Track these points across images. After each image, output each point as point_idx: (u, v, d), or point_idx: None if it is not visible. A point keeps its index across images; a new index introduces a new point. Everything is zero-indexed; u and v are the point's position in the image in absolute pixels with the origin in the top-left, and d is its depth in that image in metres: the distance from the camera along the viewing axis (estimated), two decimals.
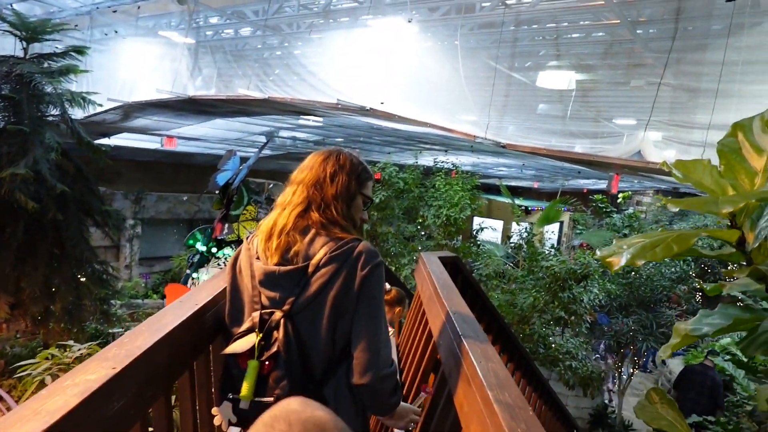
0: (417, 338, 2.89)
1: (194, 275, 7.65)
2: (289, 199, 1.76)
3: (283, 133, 14.20)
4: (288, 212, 1.72)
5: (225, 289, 2.13)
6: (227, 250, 7.60)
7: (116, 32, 10.50)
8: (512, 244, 11.22)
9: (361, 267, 1.60)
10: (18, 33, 8.75)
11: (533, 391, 5.12)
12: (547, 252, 9.38)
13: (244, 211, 7.82)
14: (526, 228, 10.07)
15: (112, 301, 10.59)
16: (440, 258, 3.32)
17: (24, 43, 8.82)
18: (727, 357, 8.31)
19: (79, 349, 4.01)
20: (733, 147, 1.60)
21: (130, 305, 12.95)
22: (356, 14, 8.60)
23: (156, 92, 8.08)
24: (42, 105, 8.73)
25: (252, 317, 1.68)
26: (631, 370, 10.22)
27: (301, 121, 11.80)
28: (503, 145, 6.29)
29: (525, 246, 9.29)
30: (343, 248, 1.62)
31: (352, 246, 1.63)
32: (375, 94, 6.71)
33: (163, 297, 14.01)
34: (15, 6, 9.92)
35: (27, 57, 8.81)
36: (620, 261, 1.43)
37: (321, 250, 1.62)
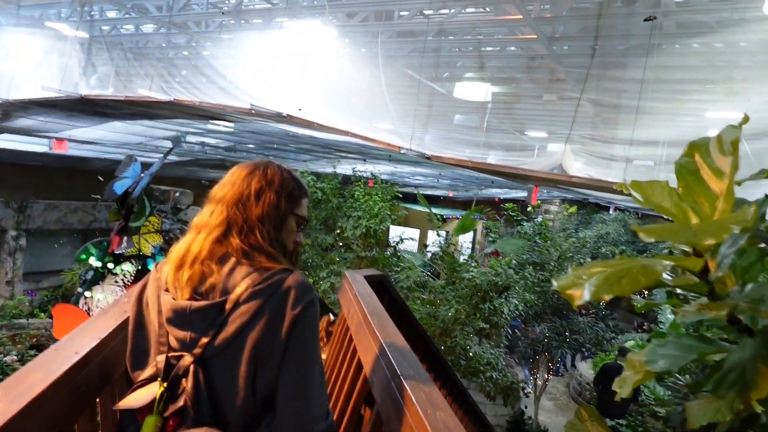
0: (344, 369, 2.64)
1: (87, 294, 6.86)
2: (205, 220, 1.48)
3: (191, 138, 13.37)
4: (204, 237, 1.44)
5: (115, 330, 1.79)
6: (126, 266, 6.89)
7: None
8: (429, 253, 11.23)
9: (291, 305, 1.35)
10: None
11: (459, 408, 5.03)
12: (465, 262, 9.46)
13: (146, 223, 7.13)
14: (444, 237, 10.12)
15: None
16: (366, 277, 3.09)
17: None
18: None
19: None
20: (691, 168, 1.51)
21: (12, 326, 11.60)
22: (270, 15, 8.25)
23: (42, 90, 7.22)
24: None
25: (156, 362, 1.39)
26: (546, 376, 10.58)
27: (210, 126, 11.15)
28: (428, 156, 6.20)
29: (444, 256, 9.31)
30: (268, 281, 1.35)
31: (280, 279, 1.37)
32: (291, 100, 6.38)
33: (51, 316, 12.66)
34: None
35: None
36: (583, 294, 1.26)
37: (242, 283, 1.36)
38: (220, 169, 17.27)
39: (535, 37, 6.40)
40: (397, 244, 10.08)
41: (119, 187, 7.26)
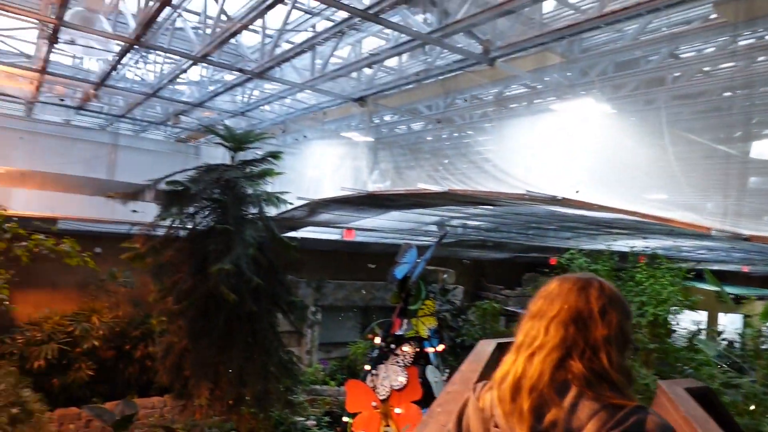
0: None
1: (374, 372, 7.50)
2: (539, 339, 1.32)
3: (454, 222, 14.16)
4: (541, 359, 1.29)
5: None
6: (406, 347, 7.36)
7: (305, 137, 11.61)
8: (724, 341, 9.32)
9: None
10: (227, 144, 10.11)
11: None
12: None
13: (422, 306, 7.60)
14: (744, 323, 8.32)
15: (295, 389, 10.98)
16: (686, 389, 2.60)
17: (231, 152, 10.15)
18: None
19: None
20: None
21: (310, 391, 13.38)
22: (531, 99, 8.39)
23: (340, 190, 8.56)
24: (244, 205, 9.81)
25: None
26: None
27: (472, 210, 11.63)
28: (746, 237, 5.25)
29: (758, 351, 7.48)
30: (623, 425, 1.14)
31: (636, 422, 1.15)
32: (561, 181, 6.25)
33: (339, 385, 14.30)
34: (226, 121, 11.59)
35: (233, 164, 10.08)
36: None
37: (590, 425, 1.16)
38: (480, 249, 17.85)
39: None
40: (694, 335, 8.50)
41: (399, 271, 7.99)
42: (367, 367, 7.56)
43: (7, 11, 7.95)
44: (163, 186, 9.39)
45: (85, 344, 11.53)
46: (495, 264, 21.32)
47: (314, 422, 11.00)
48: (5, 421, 6.98)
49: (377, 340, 7.69)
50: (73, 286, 12.82)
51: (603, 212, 6.17)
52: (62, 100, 13.15)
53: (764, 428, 6.08)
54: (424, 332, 7.44)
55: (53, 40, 7.67)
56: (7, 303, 8.66)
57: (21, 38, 11.55)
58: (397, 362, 7.27)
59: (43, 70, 9.55)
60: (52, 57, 9.52)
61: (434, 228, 13.99)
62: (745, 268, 22.65)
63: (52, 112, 14.58)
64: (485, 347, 3.96)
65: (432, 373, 7.33)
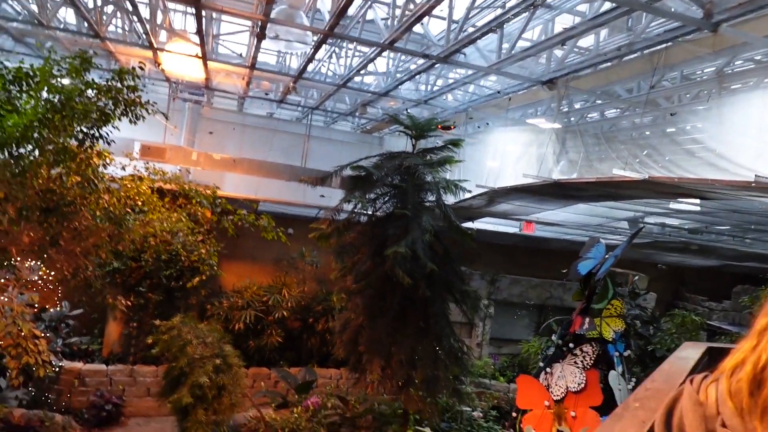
0: None
1: (548, 369, 7.00)
2: None
3: (649, 219, 12.64)
4: None
5: None
6: (586, 348, 6.71)
7: (488, 124, 11.34)
8: None
9: None
10: (409, 132, 10.28)
11: None
12: None
13: (609, 306, 6.85)
14: None
15: (463, 378, 10.84)
16: None
17: (413, 140, 10.30)
18: None
19: None
20: None
21: (478, 384, 13.14)
22: (762, 75, 7.06)
23: (522, 177, 8.13)
24: (422, 192, 9.89)
25: None
26: None
27: (674, 206, 10.23)
28: None
29: None
30: None
31: None
32: None
33: (509, 381, 13.81)
34: (409, 110, 11.82)
35: (414, 152, 10.22)
36: None
37: None
38: (681, 253, 15.71)
39: None
40: None
41: (583, 267, 7.31)
42: (541, 365, 7.08)
43: (227, 12, 9.05)
44: (348, 172, 9.89)
45: (277, 314, 12.77)
46: (698, 271, 18.61)
47: (481, 414, 10.76)
48: (210, 369, 8.02)
49: (553, 337, 7.15)
50: (269, 261, 14.29)
51: None
52: (267, 94, 14.67)
53: None
54: (609, 334, 6.69)
55: (261, 36, 8.50)
56: (216, 269, 9.89)
57: (236, 41, 13.12)
58: (575, 363, 6.67)
59: (252, 66, 10.70)
60: (260, 57, 10.62)
61: (626, 225, 12.64)
62: None
63: (258, 106, 16.41)
64: (690, 351, 3.33)
65: (615, 380, 6.58)
